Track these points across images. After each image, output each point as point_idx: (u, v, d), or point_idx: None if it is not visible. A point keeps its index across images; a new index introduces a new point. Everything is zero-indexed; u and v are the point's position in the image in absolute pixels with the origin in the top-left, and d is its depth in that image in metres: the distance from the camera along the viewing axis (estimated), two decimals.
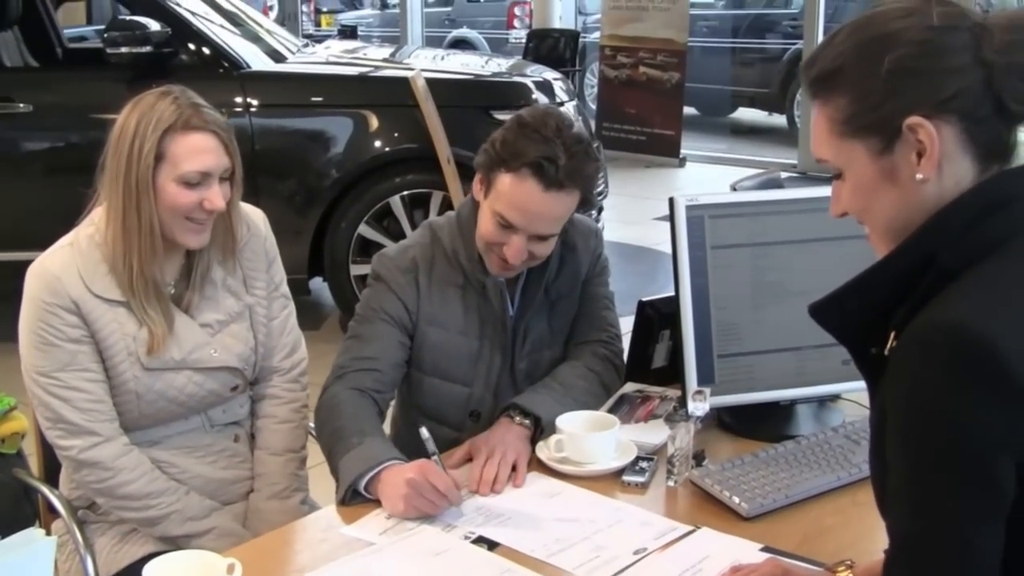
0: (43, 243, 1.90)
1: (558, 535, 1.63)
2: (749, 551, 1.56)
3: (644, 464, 1.82)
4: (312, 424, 1.97)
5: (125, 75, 4.20)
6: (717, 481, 1.72)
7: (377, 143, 4.51)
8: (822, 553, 1.54)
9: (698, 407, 1.80)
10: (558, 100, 4.79)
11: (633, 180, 7.64)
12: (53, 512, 1.96)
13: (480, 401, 2.04)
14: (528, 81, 4.91)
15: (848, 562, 1.45)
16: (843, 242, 1.74)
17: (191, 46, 4.48)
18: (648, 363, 2.17)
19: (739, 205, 1.99)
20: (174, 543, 1.86)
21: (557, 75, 5.27)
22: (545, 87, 4.85)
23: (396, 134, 4.51)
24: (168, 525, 1.88)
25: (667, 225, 1.91)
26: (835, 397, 2.06)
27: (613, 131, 8.62)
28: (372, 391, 1.92)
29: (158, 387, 1.87)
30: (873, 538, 1.43)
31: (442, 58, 6.04)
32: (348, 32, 9.20)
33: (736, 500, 1.67)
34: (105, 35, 4.41)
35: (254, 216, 2.03)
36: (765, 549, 1.57)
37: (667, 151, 8.38)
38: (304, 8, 13.39)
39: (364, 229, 4.48)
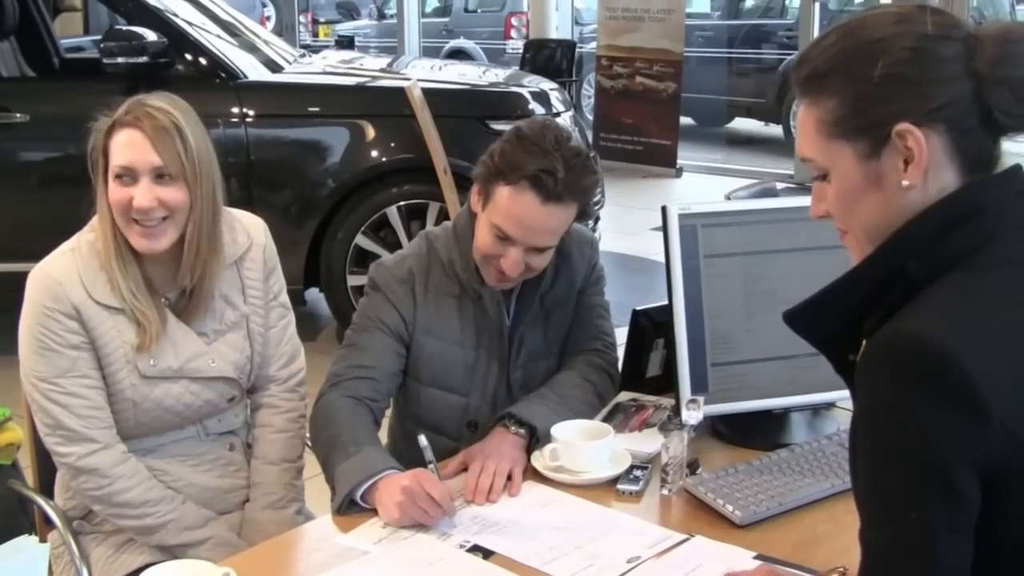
0: (40, 254, 1.90)
1: (552, 543, 1.64)
2: (743, 559, 1.57)
3: (638, 473, 1.82)
4: (308, 433, 1.98)
5: (122, 85, 4.19)
6: (711, 489, 1.72)
7: (374, 153, 4.51)
8: (815, 561, 1.54)
9: (692, 416, 1.81)
10: (555, 110, 4.80)
11: (629, 190, 7.65)
12: (48, 523, 1.96)
13: (477, 411, 2.04)
14: (525, 91, 4.92)
15: (841, 569, 1.45)
16: (836, 251, 1.74)
17: (188, 56, 4.49)
18: (642, 372, 2.18)
19: (732, 214, 2.00)
20: (170, 553, 1.86)
21: (554, 85, 5.28)
22: (542, 97, 4.86)
23: (393, 144, 4.52)
24: (165, 534, 1.88)
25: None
26: (829, 405, 2.07)
27: (609, 141, 8.64)
28: (368, 400, 1.93)
29: (155, 396, 1.88)
30: None
31: (439, 68, 6.05)
32: (345, 42, 9.22)
33: (730, 508, 1.68)
34: (102, 45, 4.42)
35: (253, 225, 2.03)
36: (759, 557, 1.57)
37: (663, 161, 8.40)
38: (301, 18, 13.42)
39: (361, 240, 4.48)
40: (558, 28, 9.82)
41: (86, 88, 4.67)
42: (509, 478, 1.81)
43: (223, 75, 4.49)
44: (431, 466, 1.74)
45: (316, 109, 4.68)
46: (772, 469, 1.79)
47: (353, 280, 4.48)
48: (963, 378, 1.03)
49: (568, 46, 9.33)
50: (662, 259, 1.92)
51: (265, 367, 2.03)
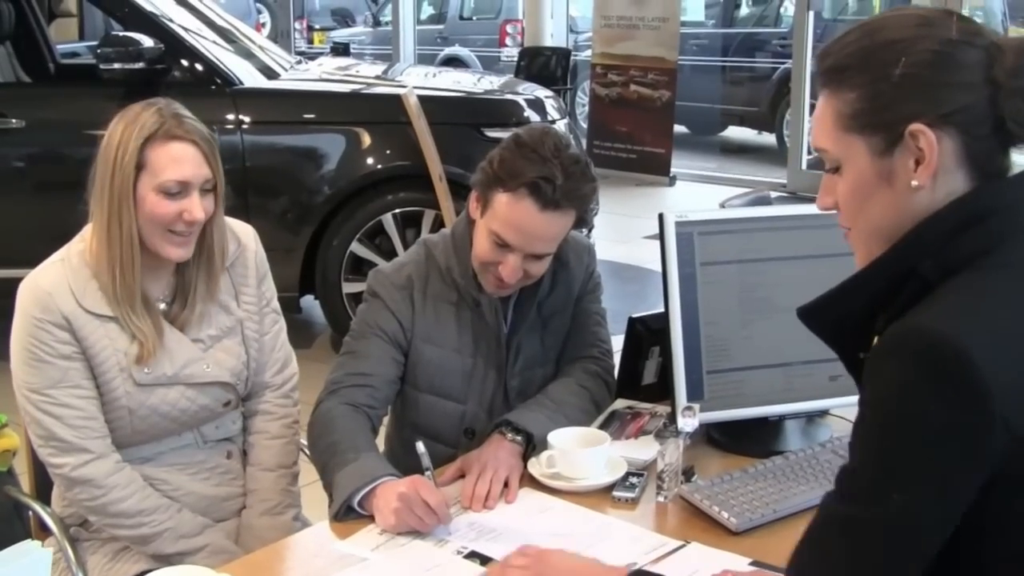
0: (34, 261, 1.90)
1: None
2: (738, 566, 1.57)
3: (634, 480, 1.83)
4: (304, 440, 1.98)
5: (118, 91, 4.19)
6: (706, 496, 1.73)
7: (369, 160, 4.52)
8: None
9: (687, 423, 1.81)
10: (550, 118, 4.80)
11: (623, 199, 7.65)
12: (45, 530, 1.95)
13: (474, 418, 2.05)
14: (520, 99, 4.93)
15: None
16: (832, 259, 1.76)
17: (184, 62, 4.48)
18: (638, 380, 2.19)
19: (728, 222, 2.01)
20: (167, 561, 1.85)
21: (549, 93, 5.28)
22: (537, 105, 4.87)
23: (388, 151, 4.53)
24: (161, 543, 1.88)
25: (657, 244, 1.92)
26: (823, 413, 2.07)
27: (603, 149, 8.65)
28: (366, 407, 1.93)
29: (151, 403, 1.88)
30: None
31: (434, 76, 6.05)
32: (341, 49, 9.21)
33: (725, 515, 1.68)
34: (98, 51, 4.42)
35: (244, 231, 2.04)
36: (754, 563, 1.58)
37: (657, 169, 8.42)
38: (297, 25, 13.43)
39: (356, 247, 4.48)
40: (553, 36, 9.83)
41: (82, 94, 4.69)
42: (506, 485, 1.81)
43: (219, 81, 4.49)
44: (428, 473, 1.74)
45: (312, 116, 4.68)
46: (767, 476, 1.79)
47: (348, 287, 4.48)
48: (974, 375, 1.05)
49: (563, 54, 9.35)
50: (655, 267, 1.92)
51: (260, 373, 2.03)
